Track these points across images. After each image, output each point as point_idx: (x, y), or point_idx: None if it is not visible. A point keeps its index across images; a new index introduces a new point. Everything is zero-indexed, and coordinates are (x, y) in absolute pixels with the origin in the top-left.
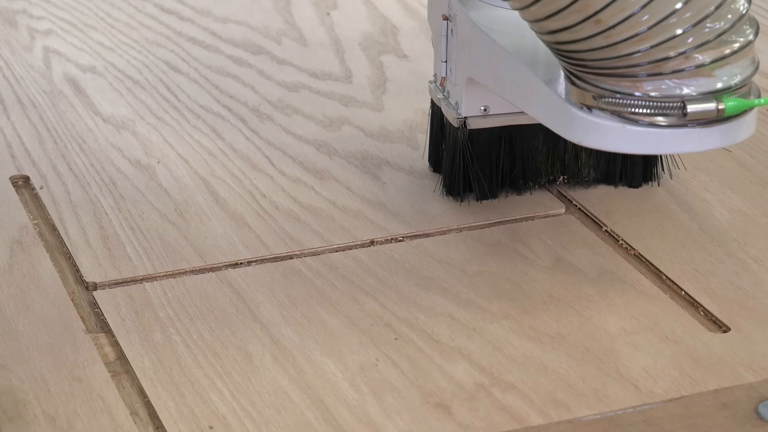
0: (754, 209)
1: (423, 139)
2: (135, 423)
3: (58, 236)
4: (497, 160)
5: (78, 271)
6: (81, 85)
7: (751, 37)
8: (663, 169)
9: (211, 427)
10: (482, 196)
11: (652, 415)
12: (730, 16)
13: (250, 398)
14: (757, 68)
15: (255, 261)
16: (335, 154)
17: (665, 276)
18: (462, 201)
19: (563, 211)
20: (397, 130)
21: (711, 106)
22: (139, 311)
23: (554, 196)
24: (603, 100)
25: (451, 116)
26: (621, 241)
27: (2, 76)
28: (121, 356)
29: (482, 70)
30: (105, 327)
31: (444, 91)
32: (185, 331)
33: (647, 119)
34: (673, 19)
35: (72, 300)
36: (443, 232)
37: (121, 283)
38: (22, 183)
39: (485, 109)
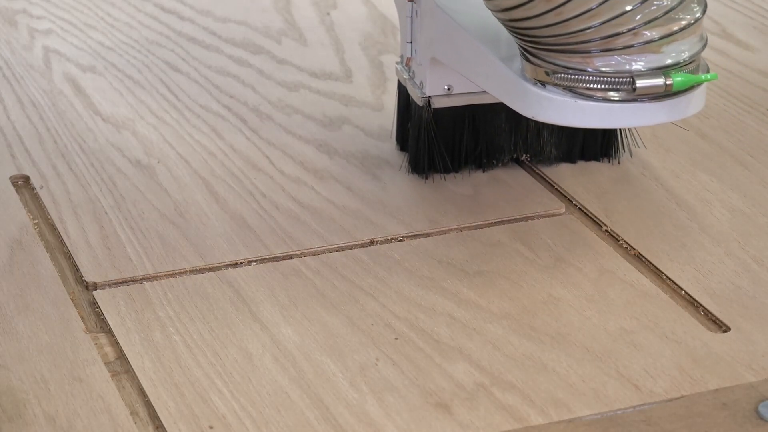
0: (754, 209)
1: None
2: (135, 423)
3: (58, 236)
4: (461, 138)
5: (78, 270)
6: (81, 85)
7: (698, 14)
8: (624, 148)
9: (211, 427)
10: (446, 174)
11: (652, 414)
12: None
13: (250, 398)
14: (705, 45)
15: (255, 261)
16: (335, 154)
17: (665, 276)
18: (427, 178)
19: (563, 210)
20: None
21: (659, 81)
22: (139, 311)
23: (554, 196)
24: (556, 75)
25: (416, 95)
26: (621, 241)
27: (2, 76)
28: (121, 356)
29: (445, 50)
30: (105, 327)
31: (409, 71)
32: (185, 331)
33: (598, 94)
34: None
35: (72, 300)
36: (443, 232)
37: (121, 282)
38: (22, 183)
39: (449, 89)
